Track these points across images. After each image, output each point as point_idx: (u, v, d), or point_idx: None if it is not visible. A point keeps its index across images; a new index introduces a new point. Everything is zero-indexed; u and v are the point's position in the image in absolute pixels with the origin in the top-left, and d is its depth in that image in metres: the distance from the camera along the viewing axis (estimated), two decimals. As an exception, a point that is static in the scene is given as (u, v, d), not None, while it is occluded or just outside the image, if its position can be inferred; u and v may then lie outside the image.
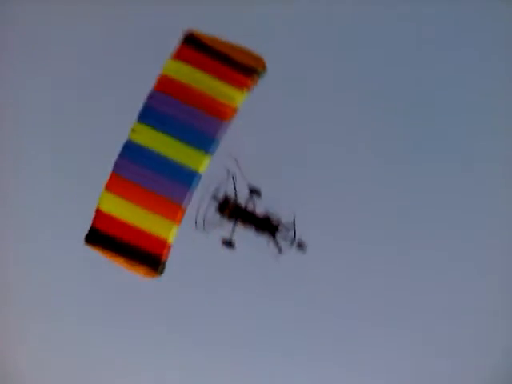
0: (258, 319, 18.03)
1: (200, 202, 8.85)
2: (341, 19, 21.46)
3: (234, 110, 8.34)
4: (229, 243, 8.66)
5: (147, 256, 8.32)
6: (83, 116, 19.93)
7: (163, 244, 8.26)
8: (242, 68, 8.44)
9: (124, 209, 8.29)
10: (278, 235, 8.61)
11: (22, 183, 20.14)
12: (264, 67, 8.57)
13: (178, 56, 8.38)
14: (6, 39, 20.30)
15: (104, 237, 8.34)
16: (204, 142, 8.20)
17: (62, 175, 20.20)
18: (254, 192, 8.96)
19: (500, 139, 21.53)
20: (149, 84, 7.77)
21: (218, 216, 8.80)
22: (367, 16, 21.46)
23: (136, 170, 8.23)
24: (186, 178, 8.18)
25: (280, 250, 8.48)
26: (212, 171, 8.51)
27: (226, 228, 8.73)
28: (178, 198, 8.19)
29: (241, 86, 8.34)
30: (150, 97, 8.25)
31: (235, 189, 8.96)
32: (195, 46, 8.45)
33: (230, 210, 8.71)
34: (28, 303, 19.86)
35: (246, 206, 8.74)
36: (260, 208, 8.95)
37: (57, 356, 19.31)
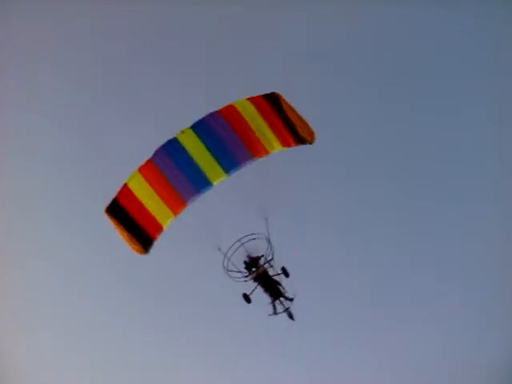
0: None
1: (233, 249, 10.28)
2: (341, 20, 22.07)
3: (267, 154, 9.99)
4: (247, 298, 10.22)
5: (145, 237, 9.74)
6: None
7: (159, 229, 9.73)
8: (296, 136, 10.02)
9: (145, 191, 9.60)
10: (278, 301, 10.37)
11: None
12: (312, 141, 10.17)
13: (254, 102, 9.87)
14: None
15: (120, 209, 9.65)
16: (230, 165, 9.68)
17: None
18: (284, 271, 10.44)
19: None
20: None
21: (243, 267, 10.38)
22: (367, 17, 22.19)
23: (168, 164, 9.54)
24: (200, 185, 9.62)
25: (275, 313, 10.29)
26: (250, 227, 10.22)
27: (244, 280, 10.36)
28: (186, 196, 9.63)
29: (286, 144, 10.07)
30: (211, 115, 9.63)
31: (268, 260, 10.43)
32: (272, 103, 9.97)
33: (258, 273, 10.29)
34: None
35: (270, 275, 10.34)
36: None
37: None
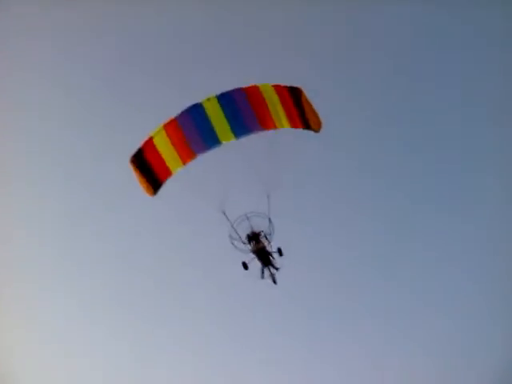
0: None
1: (238, 222, 11.94)
2: (341, 22, 22.63)
3: (275, 129, 11.42)
4: (245, 266, 12.04)
5: (157, 181, 11.35)
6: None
7: (169, 174, 11.33)
8: (305, 122, 11.44)
9: (164, 144, 11.11)
10: (267, 268, 12.21)
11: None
12: (318, 130, 11.65)
13: (276, 88, 11.22)
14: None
15: (142, 158, 11.20)
16: (241, 132, 11.14)
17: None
18: (279, 251, 12.09)
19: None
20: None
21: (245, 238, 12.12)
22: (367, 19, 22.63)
23: (189, 123, 10.96)
24: (211, 142, 11.13)
25: (262, 277, 12.17)
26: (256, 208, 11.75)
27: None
28: (196, 149, 11.15)
29: (294, 125, 11.46)
30: (236, 90, 11.00)
31: (267, 238, 12.13)
32: (292, 94, 11.31)
33: (258, 248, 12.04)
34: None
35: (266, 250, 12.08)
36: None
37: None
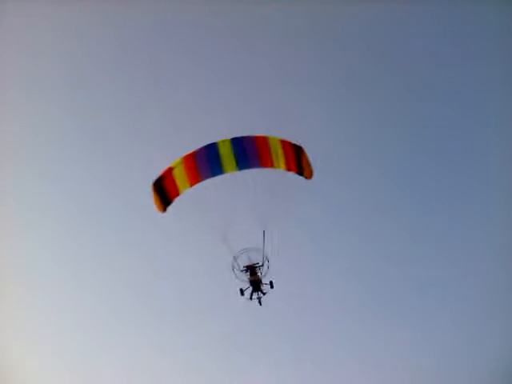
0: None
1: (238, 256, 14.47)
2: (342, 24, 24.61)
3: (272, 167, 13.66)
4: (242, 292, 14.68)
5: (169, 200, 13.60)
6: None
7: (177, 194, 13.55)
8: (300, 170, 13.76)
9: (179, 172, 13.35)
10: (256, 293, 14.74)
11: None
12: (309, 178, 14.02)
13: (282, 141, 13.56)
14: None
15: (161, 184, 13.49)
16: (243, 165, 13.34)
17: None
18: (271, 284, 14.53)
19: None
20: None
21: (242, 269, 14.68)
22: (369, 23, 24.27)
23: (203, 156, 13.25)
24: (216, 170, 13.34)
25: (250, 299, 14.67)
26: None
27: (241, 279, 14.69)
28: (203, 175, 13.32)
29: (289, 169, 13.75)
30: (247, 136, 13.38)
31: (260, 270, 14.56)
32: (294, 149, 13.62)
33: (254, 279, 14.58)
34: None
35: (260, 281, 14.57)
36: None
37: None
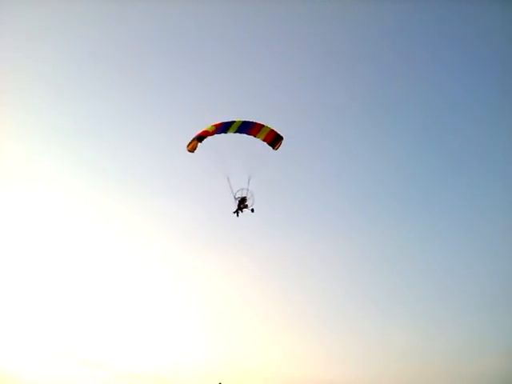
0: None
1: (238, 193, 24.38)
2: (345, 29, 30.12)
3: (254, 136, 23.86)
4: (237, 213, 24.47)
5: (202, 137, 23.13)
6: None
7: (208, 133, 23.10)
8: (272, 144, 23.99)
9: (209, 127, 23.35)
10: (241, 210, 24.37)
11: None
12: (276, 149, 24.42)
13: (271, 130, 24.05)
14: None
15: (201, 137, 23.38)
16: (239, 131, 23.56)
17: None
18: (252, 210, 24.52)
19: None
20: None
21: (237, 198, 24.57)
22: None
23: (221, 124, 23.48)
24: (224, 130, 23.41)
25: (237, 215, 24.51)
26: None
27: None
28: (219, 131, 23.36)
29: (264, 140, 23.96)
30: (250, 121, 23.93)
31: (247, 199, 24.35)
32: (275, 135, 24.14)
33: (243, 204, 24.24)
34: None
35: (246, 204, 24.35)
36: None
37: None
